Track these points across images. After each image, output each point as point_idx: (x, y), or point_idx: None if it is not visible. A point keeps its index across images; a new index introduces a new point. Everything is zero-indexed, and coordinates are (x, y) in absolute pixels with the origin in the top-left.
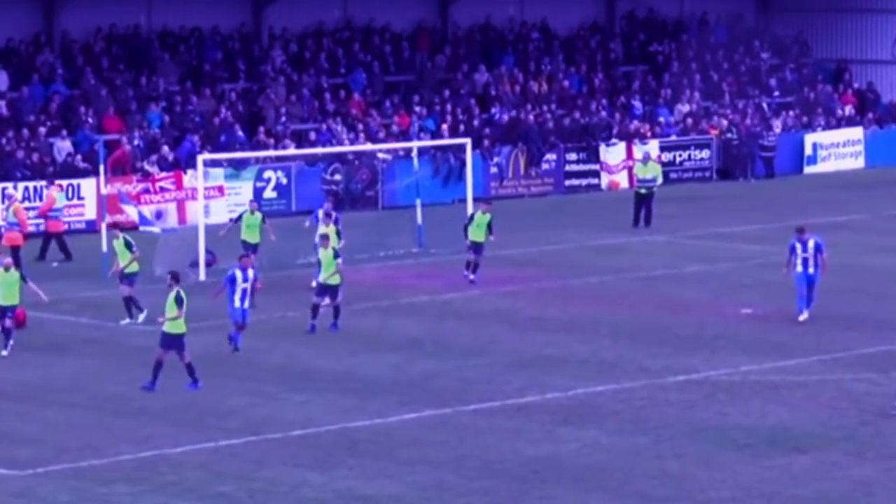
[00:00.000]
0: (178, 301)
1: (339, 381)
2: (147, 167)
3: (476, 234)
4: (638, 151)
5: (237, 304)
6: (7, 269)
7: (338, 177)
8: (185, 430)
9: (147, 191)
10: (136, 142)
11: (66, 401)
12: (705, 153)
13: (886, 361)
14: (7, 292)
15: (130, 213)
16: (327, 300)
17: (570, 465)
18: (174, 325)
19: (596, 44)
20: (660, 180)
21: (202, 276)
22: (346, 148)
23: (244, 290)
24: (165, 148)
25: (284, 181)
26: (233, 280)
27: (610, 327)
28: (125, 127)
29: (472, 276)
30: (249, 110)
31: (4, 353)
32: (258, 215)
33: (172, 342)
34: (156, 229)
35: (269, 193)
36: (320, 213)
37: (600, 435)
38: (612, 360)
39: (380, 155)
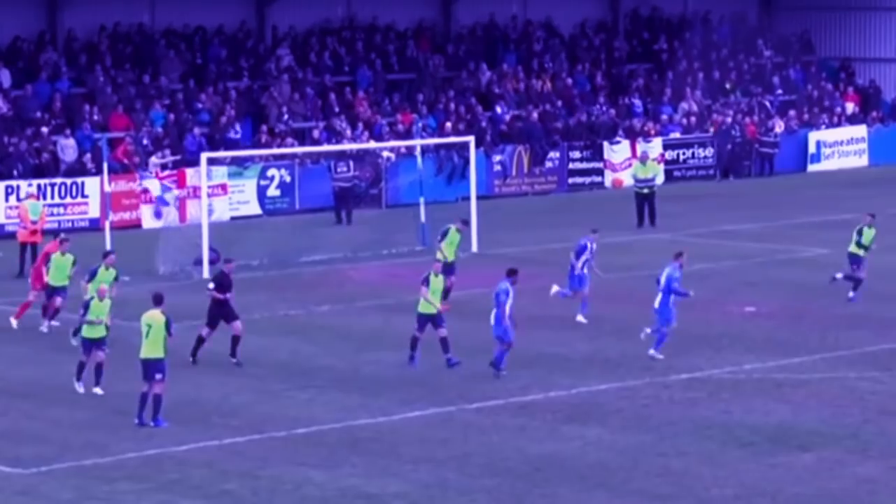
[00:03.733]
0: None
1: (343, 379)
2: (156, 159)
3: (860, 247)
4: (640, 150)
5: (506, 321)
6: (101, 298)
7: (344, 172)
8: (188, 428)
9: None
10: (143, 140)
11: (69, 399)
12: (708, 151)
13: (890, 360)
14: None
15: (152, 187)
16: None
17: (573, 462)
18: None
19: (599, 42)
20: (660, 179)
21: (206, 274)
22: (349, 146)
23: (510, 307)
24: (168, 151)
25: (288, 179)
26: (507, 293)
27: (613, 325)
28: (132, 125)
29: (851, 294)
30: (253, 108)
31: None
32: (459, 236)
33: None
34: (171, 208)
35: (273, 191)
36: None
37: (603, 433)
38: (616, 358)
39: (384, 154)
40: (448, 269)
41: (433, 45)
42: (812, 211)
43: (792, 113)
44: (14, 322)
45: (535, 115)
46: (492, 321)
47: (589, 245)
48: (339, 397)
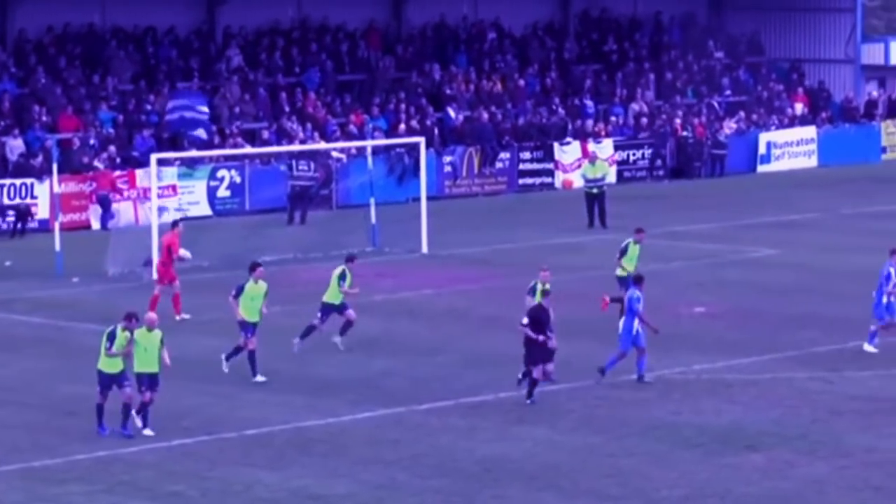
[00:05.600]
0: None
1: (293, 381)
2: (97, 164)
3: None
4: (591, 151)
5: (636, 328)
6: (150, 328)
7: (304, 171)
8: (138, 429)
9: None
10: (91, 141)
11: (18, 400)
12: (663, 152)
13: (839, 360)
14: (147, 358)
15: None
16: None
17: (523, 463)
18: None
19: (550, 43)
20: (609, 179)
21: (155, 276)
22: (300, 147)
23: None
24: (112, 148)
25: (238, 180)
26: (639, 300)
27: (563, 326)
28: (81, 125)
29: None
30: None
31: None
32: (639, 248)
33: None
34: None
35: (223, 192)
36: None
37: (553, 434)
38: (566, 358)
39: (334, 154)
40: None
41: (384, 45)
42: (762, 212)
43: (742, 114)
44: (185, 316)
45: (485, 115)
46: (620, 328)
47: (892, 271)
48: (289, 398)
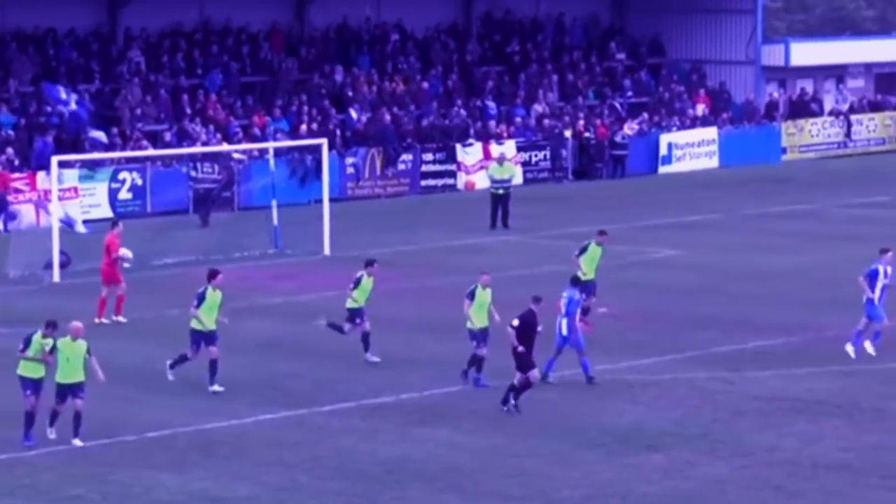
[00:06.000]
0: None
1: (195, 383)
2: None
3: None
4: (495, 152)
5: (564, 331)
6: (75, 337)
7: (209, 174)
8: (38, 433)
9: None
10: None
11: None
12: (561, 153)
13: (740, 360)
14: (70, 368)
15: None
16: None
17: (424, 465)
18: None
19: (452, 45)
20: (516, 180)
21: (56, 278)
22: (202, 149)
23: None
24: (10, 150)
25: (140, 182)
26: (578, 303)
27: (464, 327)
28: None
29: None
30: (104, 111)
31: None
32: (601, 250)
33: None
34: (82, 229)
35: (124, 195)
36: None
37: (456, 435)
38: (468, 360)
39: (235, 155)
40: (589, 287)
41: (287, 47)
42: (663, 212)
43: (645, 115)
44: (120, 318)
45: (387, 117)
46: (563, 331)
47: (881, 269)
48: (190, 401)
